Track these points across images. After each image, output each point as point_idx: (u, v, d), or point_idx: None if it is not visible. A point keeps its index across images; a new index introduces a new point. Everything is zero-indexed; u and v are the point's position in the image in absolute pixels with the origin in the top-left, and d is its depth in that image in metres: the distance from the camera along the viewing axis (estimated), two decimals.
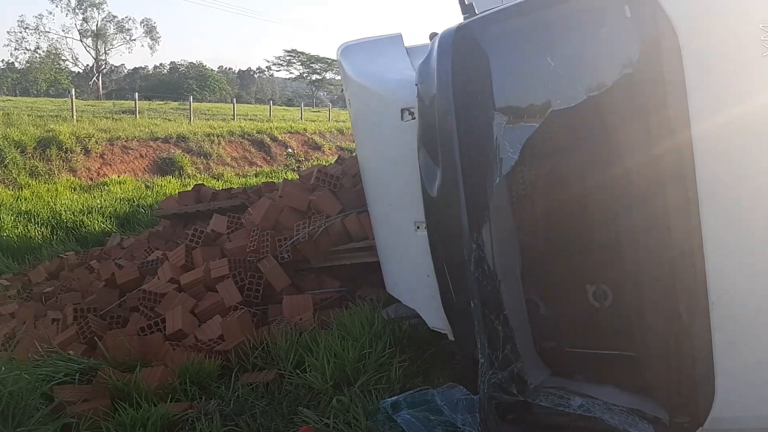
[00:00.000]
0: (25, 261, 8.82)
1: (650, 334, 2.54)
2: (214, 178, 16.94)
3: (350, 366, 3.58)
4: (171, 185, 14.64)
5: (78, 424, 3.24)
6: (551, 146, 2.78)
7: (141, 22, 64.72)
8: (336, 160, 7.85)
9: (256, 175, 18.15)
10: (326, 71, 71.37)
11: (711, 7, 2.31)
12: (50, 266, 7.71)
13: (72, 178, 14.00)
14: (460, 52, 2.86)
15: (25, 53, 63.95)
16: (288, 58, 71.22)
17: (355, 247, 4.88)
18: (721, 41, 2.26)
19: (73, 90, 22.50)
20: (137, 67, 76.87)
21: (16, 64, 60.96)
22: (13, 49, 71.54)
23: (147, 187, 14.26)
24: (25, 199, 11.61)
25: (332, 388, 3.49)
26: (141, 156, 16.79)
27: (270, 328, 4.39)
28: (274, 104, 39.55)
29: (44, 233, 9.92)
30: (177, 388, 3.72)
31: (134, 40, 64.69)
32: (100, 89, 59.48)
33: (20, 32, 59.92)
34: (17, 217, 10.39)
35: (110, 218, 10.91)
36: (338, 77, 66.83)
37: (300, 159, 22.03)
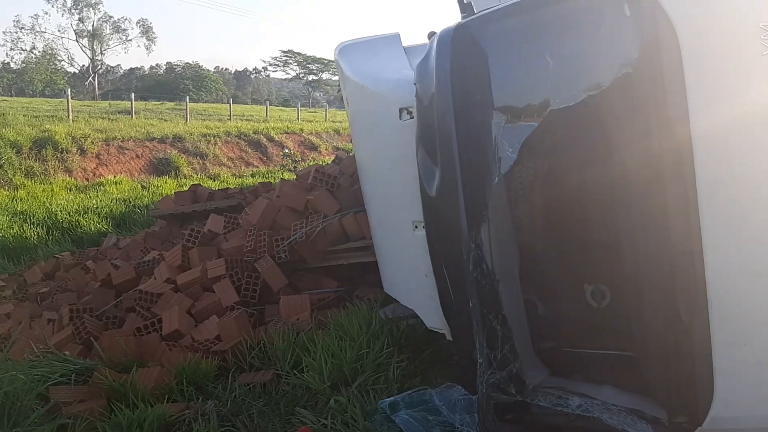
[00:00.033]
0: (21, 261, 8.79)
1: (649, 334, 2.53)
2: (211, 178, 16.91)
3: (348, 366, 3.57)
4: (167, 185, 14.61)
5: (74, 425, 3.22)
6: (550, 146, 2.77)
7: (137, 23, 65.06)
8: (333, 160, 7.83)
9: (252, 176, 18.12)
10: (323, 72, 71.34)
11: (711, 5, 2.30)
12: (46, 266, 7.68)
13: (68, 178, 13.96)
14: (459, 51, 2.85)
15: (20, 53, 63.78)
16: (284, 58, 71.20)
17: (353, 246, 4.87)
18: (720, 40, 2.25)
19: (69, 90, 22.40)
20: (133, 67, 76.86)
21: (12, 65, 60.92)
22: (8, 49, 71.82)
23: (143, 187, 14.22)
24: (21, 200, 11.57)
25: (330, 389, 3.48)
26: (137, 156, 16.75)
27: (267, 328, 4.38)
28: (270, 105, 39.47)
29: (40, 233, 9.89)
30: (174, 388, 3.71)
31: (130, 40, 64.85)
32: (96, 89, 59.37)
33: (16, 32, 59.97)
34: (13, 217, 10.35)
35: (106, 218, 10.88)
36: (335, 78, 66.94)
37: (296, 159, 22.01)
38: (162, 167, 16.81)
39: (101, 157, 15.72)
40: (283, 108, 48.28)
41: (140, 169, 16.39)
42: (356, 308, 4.26)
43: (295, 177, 7.59)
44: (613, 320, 2.70)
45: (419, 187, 3.11)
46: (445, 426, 2.98)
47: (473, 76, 2.82)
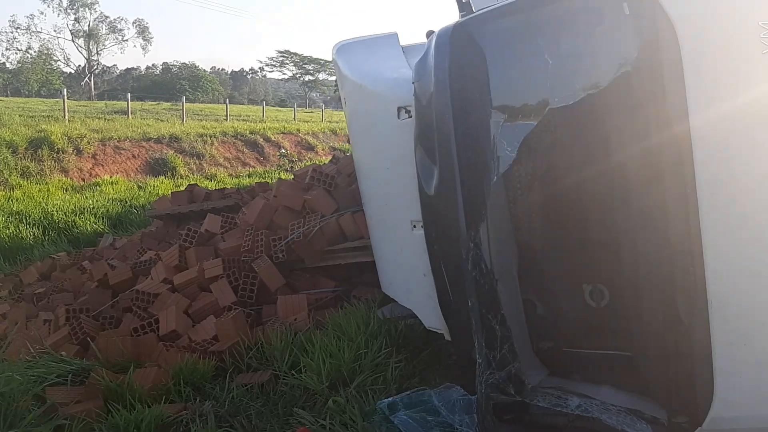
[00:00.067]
0: (17, 262, 8.76)
1: (649, 334, 2.53)
2: (207, 178, 16.88)
3: (346, 366, 3.56)
4: (164, 186, 14.58)
5: (71, 426, 3.21)
6: (549, 145, 2.76)
7: (133, 23, 64.78)
8: (331, 160, 7.82)
9: (249, 176, 18.10)
10: (319, 72, 71.32)
11: (710, 4, 2.30)
12: (42, 267, 7.66)
13: (64, 178, 13.93)
14: (458, 50, 2.84)
15: (16, 53, 63.94)
16: (281, 58, 71.15)
17: (351, 246, 4.86)
18: (720, 39, 2.25)
19: (65, 90, 22.41)
20: (129, 67, 76.62)
21: (8, 65, 60.75)
22: (4, 49, 71.77)
23: (139, 187, 14.20)
24: (17, 200, 11.53)
25: (328, 389, 3.47)
26: (133, 156, 16.71)
27: (264, 329, 4.36)
28: (267, 105, 39.45)
29: (36, 234, 9.85)
30: (171, 389, 3.69)
31: (126, 40, 64.68)
32: (92, 90, 59.27)
33: (11, 32, 59.73)
34: (8, 217, 10.32)
35: (102, 219, 10.85)
36: (331, 78, 66.96)
37: (293, 159, 21.98)
38: (158, 167, 16.77)
39: (97, 157, 15.68)
40: (279, 108, 48.19)
41: (137, 169, 16.35)
42: (354, 308, 4.25)
43: (292, 177, 7.58)
44: (612, 320, 2.70)
45: (418, 186, 3.10)
46: (444, 426, 2.97)
47: (472, 75, 2.82)
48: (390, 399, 3.21)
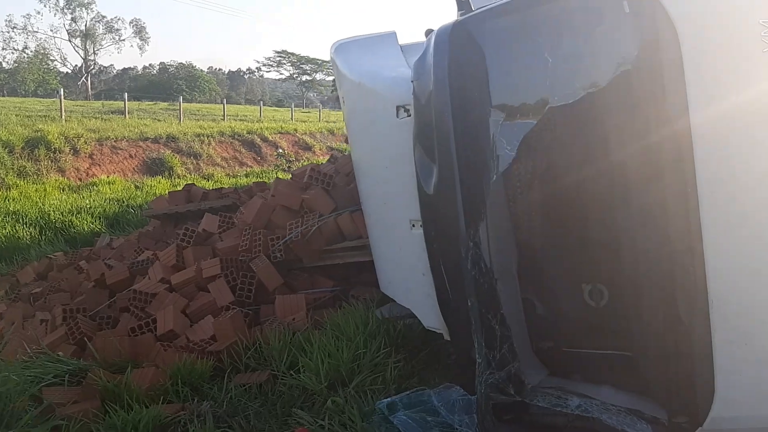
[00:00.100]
0: (14, 261, 8.73)
1: (649, 334, 2.52)
2: (204, 178, 16.85)
3: (345, 366, 3.54)
4: (161, 185, 14.55)
5: (68, 426, 3.19)
6: (549, 144, 2.75)
7: (130, 23, 64.47)
8: (329, 159, 7.81)
9: (246, 176, 18.07)
10: (316, 72, 71.31)
11: (710, 2, 2.29)
12: (39, 267, 7.63)
13: (61, 178, 13.89)
14: (457, 49, 2.83)
15: (12, 53, 63.55)
16: (278, 58, 71.10)
17: (349, 246, 4.85)
18: (721, 37, 2.24)
19: (62, 90, 22.32)
20: (126, 67, 76.58)
21: (4, 64, 60.57)
22: (0, 49, 71.32)
23: (136, 187, 14.17)
24: (13, 200, 11.49)
25: (327, 389, 3.45)
26: (130, 156, 16.68)
27: (263, 328, 4.35)
28: (264, 105, 39.43)
29: (33, 234, 9.82)
30: (169, 389, 3.68)
31: (123, 40, 64.46)
32: (89, 89, 59.12)
33: (8, 32, 59.85)
34: (5, 217, 10.28)
35: (99, 218, 10.82)
36: (329, 78, 66.97)
37: (290, 159, 21.96)
38: (155, 167, 16.74)
39: (94, 157, 15.64)
40: (276, 108, 48.19)
41: (133, 169, 16.32)
42: (353, 308, 4.24)
43: (290, 176, 7.56)
44: (611, 320, 2.69)
45: (417, 185, 3.09)
46: (443, 427, 2.96)
47: (471, 73, 2.81)
48: (389, 399, 3.20)
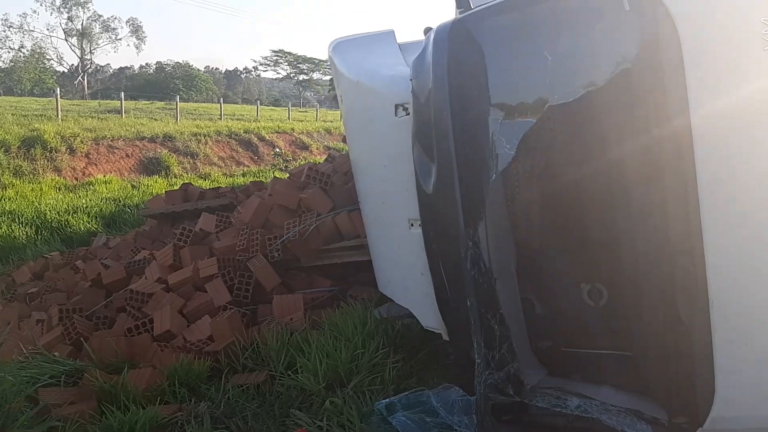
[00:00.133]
0: (10, 261, 8.68)
1: (648, 334, 2.51)
2: (201, 177, 16.81)
3: (343, 367, 3.53)
4: (157, 185, 14.51)
5: (64, 428, 3.17)
6: (548, 142, 2.74)
7: (127, 22, 64.53)
8: (326, 159, 7.79)
9: (243, 175, 18.04)
10: (313, 71, 71.33)
11: (711, 1, 2.28)
12: (35, 266, 7.60)
13: (57, 177, 13.83)
14: (456, 47, 2.82)
15: (9, 52, 63.58)
16: (275, 58, 71.14)
17: (347, 245, 4.83)
18: (722, 35, 2.23)
19: (58, 89, 22.24)
20: (123, 66, 76.46)
21: (0, 63, 60.44)
22: None
23: (133, 186, 14.11)
24: (9, 199, 11.44)
25: (325, 390, 3.44)
26: (127, 155, 16.63)
27: (260, 329, 4.33)
28: (261, 104, 39.37)
29: (29, 233, 9.78)
30: (166, 390, 3.65)
31: (120, 39, 64.50)
32: (86, 89, 59.06)
33: (4, 31, 59.72)
34: (1, 216, 10.23)
35: (96, 218, 10.78)
36: (326, 77, 66.98)
37: (288, 159, 21.93)
38: (152, 166, 16.69)
39: (91, 156, 15.59)
40: (273, 107, 48.16)
41: (130, 168, 16.27)
42: (351, 308, 4.23)
43: (287, 176, 7.55)
44: (610, 320, 2.68)
45: (415, 184, 3.07)
46: (442, 427, 2.95)
47: (470, 72, 2.80)
48: (388, 400, 3.18)
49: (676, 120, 2.22)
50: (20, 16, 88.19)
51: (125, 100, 24.51)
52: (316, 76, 71.82)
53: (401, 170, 3.21)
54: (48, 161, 14.20)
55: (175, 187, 9.25)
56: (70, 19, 60.36)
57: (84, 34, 60.93)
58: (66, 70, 64.21)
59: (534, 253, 2.90)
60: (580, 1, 2.57)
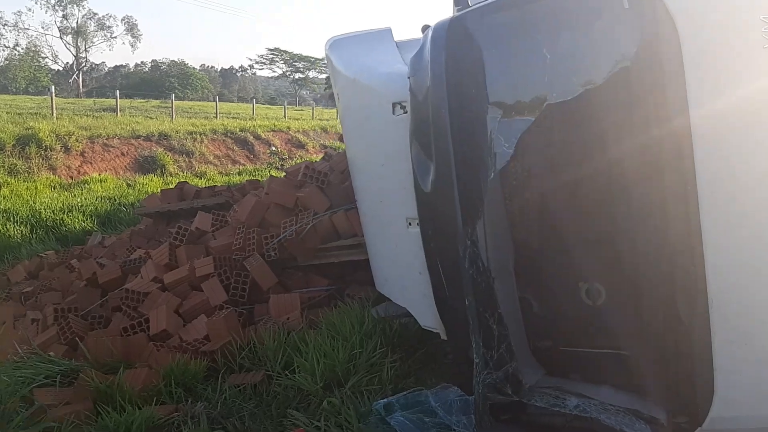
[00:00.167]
0: (4, 260, 8.64)
1: (648, 333, 2.50)
2: (197, 176, 16.78)
3: (340, 366, 3.51)
4: (153, 183, 14.46)
5: (59, 428, 3.16)
6: (547, 141, 2.73)
7: (122, 20, 64.33)
8: (323, 157, 7.77)
9: (239, 174, 18.00)
10: (309, 70, 71.18)
11: None
12: (30, 265, 7.56)
13: (52, 176, 13.79)
14: (454, 45, 2.80)
15: (3, 50, 63.18)
16: (271, 56, 70.86)
17: (344, 244, 4.82)
18: (721, 33, 2.22)
19: (53, 88, 22.16)
20: (118, 65, 76.25)
21: None
22: None
23: (128, 185, 14.07)
24: (4, 198, 11.39)
25: (322, 390, 3.42)
26: (122, 154, 16.58)
27: (257, 328, 4.31)
28: (256, 102, 39.30)
29: (23, 232, 9.74)
30: (162, 390, 3.64)
31: (115, 37, 64.19)
32: (81, 87, 58.86)
33: None
34: None
35: (91, 217, 10.73)
36: (321, 76, 66.87)
37: (284, 157, 21.89)
38: (147, 165, 16.65)
39: (86, 154, 15.54)
40: (269, 106, 48.06)
41: (125, 167, 16.22)
42: (348, 307, 4.21)
43: (283, 174, 7.53)
44: (608, 319, 2.67)
45: (413, 183, 3.06)
46: (441, 427, 2.94)
47: (468, 70, 2.78)
48: (386, 400, 3.17)
49: (676, 118, 2.21)
50: (15, 14, 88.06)
51: (120, 98, 24.41)
52: (312, 74, 71.70)
53: (399, 169, 3.19)
54: (43, 160, 14.16)
55: (171, 186, 9.23)
56: (65, 17, 60.19)
57: (79, 32, 60.72)
58: (61, 69, 64.00)
59: (532, 252, 2.89)
60: None
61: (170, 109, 24.47)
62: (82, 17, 61.20)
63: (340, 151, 8.20)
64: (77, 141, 15.55)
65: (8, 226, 9.77)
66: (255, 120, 26.10)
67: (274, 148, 22.24)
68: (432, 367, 3.69)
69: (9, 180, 12.71)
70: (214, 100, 32.30)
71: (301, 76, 71.98)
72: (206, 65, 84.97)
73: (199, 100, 48.86)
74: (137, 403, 3.45)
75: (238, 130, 21.79)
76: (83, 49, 61.84)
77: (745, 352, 2.24)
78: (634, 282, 2.52)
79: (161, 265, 5.32)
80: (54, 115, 18.71)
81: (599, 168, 2.56)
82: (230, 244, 5.17)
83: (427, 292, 3.18)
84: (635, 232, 2.49)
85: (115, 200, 11.99)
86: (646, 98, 2.32)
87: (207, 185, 10.37)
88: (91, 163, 15.42)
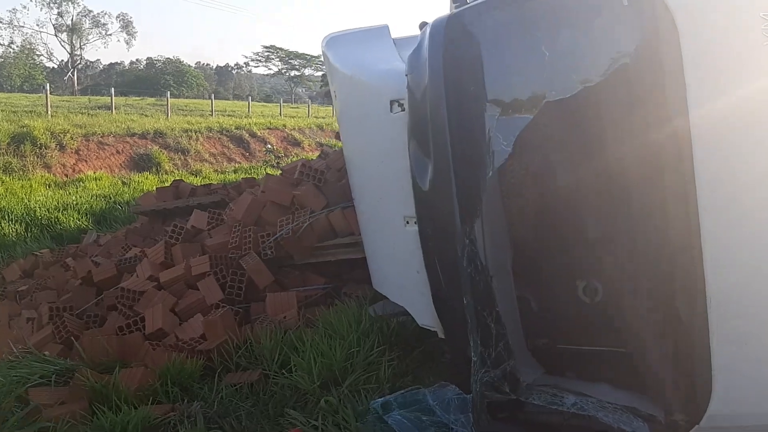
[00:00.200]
0: None
1: (646, 331, 2.49)
2: (192, 174, 16.75)
3: (338, 365, 3.50)
4: (148, 181, 14.43)
5: (55, 428, 3.14)
6: (545, 139, 2.71)
7: (117, 17, 64.21)
8: (320, 155, 7.76)
9: (235, 171, 17.98)
10: (305, 67, 71.12)
11: None
12: (25, 264, 7.54)
13: (47, 174, 13.75)
14: (452, 42, 2.78)
15: None
16: (266, 54, 70.87)
17: (341, 243, 4.81)
18: (721, 31, 2.21)
19: (48, 85, 22.11)
20: (113, 62, 76.08)
21: None
22: None
23: (124, 183, 14.04)
24: None
25: (319, 389, 3.41)
26: (117, 152, 16.54)
27: (253, 327, 4.30)
28: (252, 100, 39.24)
29: (18, 230, 9.71)
30: (158, 389, 3.62)
31: (110, 35, 64.18)
32: (75, 85, 58.71)
33: None
34: None
35: (86, 215, 10.71)
36: (317, 73, 66.82)
37: (279, 155, 21.87)
38: (143, 163, 16.61)
39: (81, 152, 15.50)
40: (265, 104, 48.04)
41: (121, 164, 16.18)
42: (345, 306, 4.20)
43: (279, 172, 7.51)
44: (606, 317, 2.66)
45: (411, 181, 3.04)
46: (439, 426, 2.92)
47: (467, 67, 2.76)
48: (383, 398, 3.15)
49: (675, 116, 2.20)
50: (10, 11, 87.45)
51: (115, 96, 24.38)
52: (307, 71, 71.69)
53: (396, 167, 3.17)
54: (38, 158, 14.12)
55: (166, 184, 9.19)
56: (60, 14, 60.06)
57: (74, 30, 60.58)
58: (56, 66, 63.90)
59: (530, 251, 2.88)
60: None
61: (165, 106, 24.42)
62: (77, 14, 61.14)
63: (337, 148, 8.20)
64: (72, 139, 15.51)
65: (3, 225, 9.74)
66: (251, 118, 26.08)
67: (269, 146, 22.21)
68: (429, 365, 3.68)
69: (4, 178, 12.67)
70: (210, 98, 32.26)
71: (297, 73, 71.95)
72: (201, 63, 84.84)
73: (195, 98, 48.84)
74: (133, 402, 3.43)
75: (233, 127, 21.76)
76: (78, 46, 61.76)
77: (743, 351, 2.23)
78: (632, 280, 2.51)
79: (157, 264, 5.30)
80: (49, 112, 18.67)
81: (598, 166, 2.55)
82: (226, 243, 5.16)
83: (425, 290, 3.17)
84: (634, 231, 2.48)
85: (111, 198, 11.97)
86: (645, 95, 2.31)
87: (203, 183, 10.36)
88: (86, 161, 15.38)
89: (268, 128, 23.71)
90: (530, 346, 2.88)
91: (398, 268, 3.55)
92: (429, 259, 3.08)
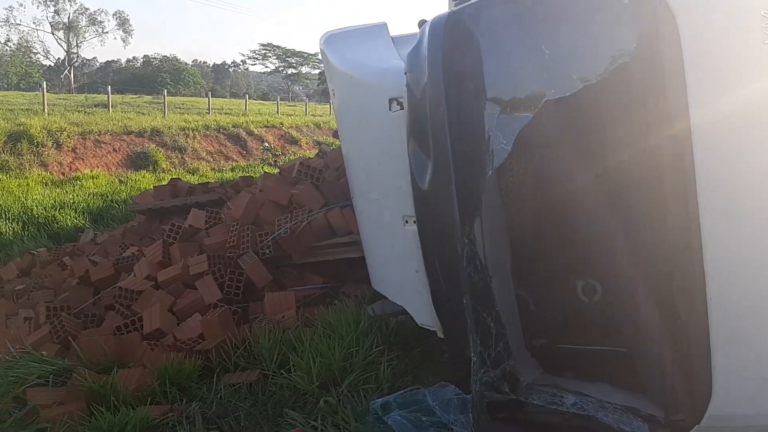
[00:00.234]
0: None
1: (646, 331, 2.49)
2: (190, 172, 16.73)
3: (337, 365, 3.49)
4: (145, 180, 14.42)
5: (52, 429, 3.12)
6: (544, 138, 2.71)
7: (113, 15, 63.96)
8: (317, 153, 7.74)
9: (232, 170, 17.97)
10: (302, 65, 70.99)
11: None
12: (21, 263, 7.52)
13: (43, 172, 13.74)
14: (452, 40, 2.77)
15: None
16: (263, 51, 70.67)
17: (339, 242, 4.79)
18: (721, 29, 2.20)
19: (45, 83, 22.05)
20: (110, 60, 75.79)
21: None
22: None
23: (121, 181, 14.02)
24: None
25: (318, 389, 3.40)
26: (114, 150, 16.51)
27: (252, 327, 4.28)
28: (249, 98, 39.17)
29: (15, 229, 9.69)
30: (156, 390, 3.60)
31: (107, 32, 64.01)
32: (72, 83, 58.57)
33: None
34: None
35: (83, 214, 10.69)
36: (314, 71, 66.68)
37: (277, 153, 21.85)
38: (140, 161, 16.59)
39: (77, 151, 15.47)
40: (262, 102, 47.92)
41: (117, 163, 16.15)
42: (344, 305, 4.19)
43: (277, 171, 7.50)
44: (605, 316, 2.66)
45: (410, 180, 3.03)
46: (438, 427, 2.92)
47: (466, 65, 2.75)
48: (383, 399, 3.15)
49: (675, 115, 2.19)
50: (6, 9, 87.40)
51: (112, 94, 24.30)
52: (305, 69, 71.54)
53: (395, 166, 3.16)
54: (34, 156, 14.09)
55: (164, 182, 9.19)
56: (56, 12, 59.92)
57: (70, 28, 60.45)
58: (52, 64, 63.65)
59: (529, 250, 2.88)
60: None
61: (162, 104, 24.38)
62: (74, 12, 61.01)
63: (335, 147, 8.18)
64: (69, 137, 15.48)
65: (0, 223, 9.71)
66: (248, 116, 26.07)
67: (267, 144, 22.19)
68: (429, 365, 3.67)
69: (0, 176, 12.63)
70: (207, 96, 32.21)
71: (294, 71, 71.81)
72: (198, 61, 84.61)
73: (192, 96, 48.73)
74: (131, 403, 3.42)
75: (230, 126, 21.75)
76: (75, 44, 61.65)
77: (743, 351, 2.23)
78: (632, 280, 2.51)
79: (154, 263, 5.28)
80: (45, 111, 18.63)
81: (598, 165, 2.54)
82: (224, 242, 5.14)
83: (424, 290, 3.16)
84: (633, 230, 2.47)
85: (108, 197, 11.95)
86: (645, 94, 2.30)
87: (200, 182, 10.34)
88: (82, 159, 15.35)
89: (266, 126, 23.70)
90: (530, 346, 2.88)
91: (397, 267, 3.54)
92: (428, 259, 3.07)
